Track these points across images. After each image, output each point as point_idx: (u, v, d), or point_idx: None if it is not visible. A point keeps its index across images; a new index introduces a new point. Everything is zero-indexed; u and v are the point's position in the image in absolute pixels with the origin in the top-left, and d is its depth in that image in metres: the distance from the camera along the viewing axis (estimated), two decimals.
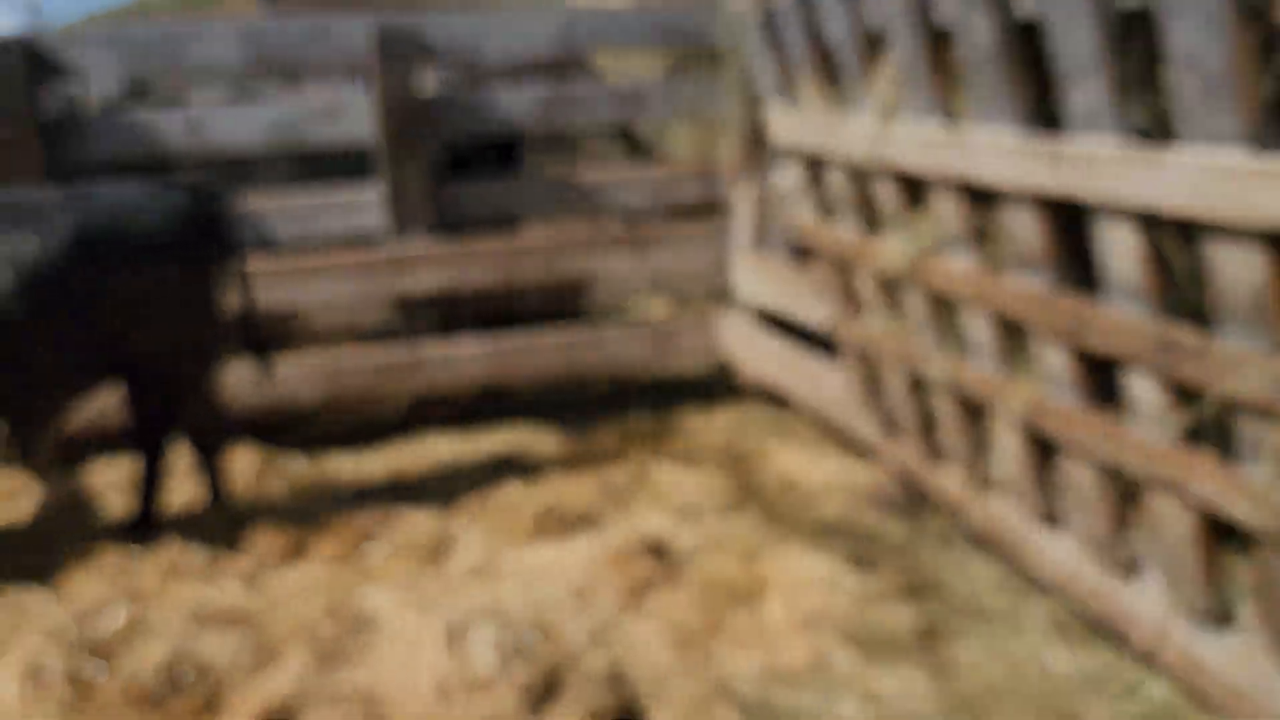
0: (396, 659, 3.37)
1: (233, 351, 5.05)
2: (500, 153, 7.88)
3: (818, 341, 5.34)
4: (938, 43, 3.10)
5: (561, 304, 6.16)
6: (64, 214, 3.94)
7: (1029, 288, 2.97)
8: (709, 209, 6.11)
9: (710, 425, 5.70)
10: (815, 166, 4.04)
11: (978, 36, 2.71)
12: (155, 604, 3.76)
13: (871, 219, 3.82)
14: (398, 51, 5.31)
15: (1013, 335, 3.26)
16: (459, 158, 7.56)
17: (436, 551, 4.29)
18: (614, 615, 3.71)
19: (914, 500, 4.51)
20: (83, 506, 4.89)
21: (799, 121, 3.98)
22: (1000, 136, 2.84)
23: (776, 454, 5.23)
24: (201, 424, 4.49)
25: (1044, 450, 3.34)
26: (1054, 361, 2.99)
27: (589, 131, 8.45)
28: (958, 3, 2.79)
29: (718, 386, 6.21)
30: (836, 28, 3.53)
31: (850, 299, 4.16)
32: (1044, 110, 2.83)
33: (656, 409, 6.01)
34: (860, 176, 3.71)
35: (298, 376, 5.47)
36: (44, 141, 5.01)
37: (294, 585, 3.99)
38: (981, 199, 3.18)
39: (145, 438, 4.41)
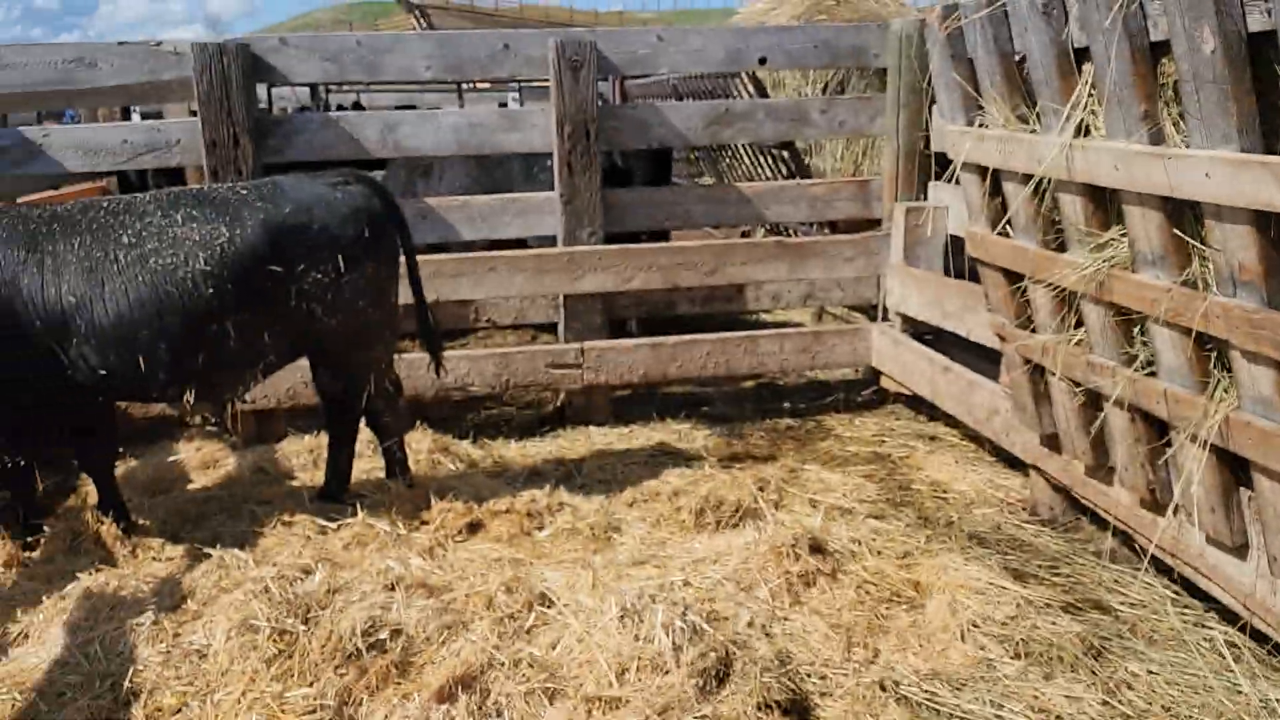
0: (574, 636, 3.31)
1: (407, 340, 5.16)
2: (655, 165, 7.86)
3: (965, 353, 5.14)
4: (1148, 55, 2.90)
5: (710, 308, 6.07)
6: (254, 206, 4.01)
7: (1236, 304, 2.74)
8: (863, 223, 5.95)
9: (858, 430, 5.54)
10: (993, 181, 3.85)
11: (1203, 49, 2.52)
12: (347, 570, 3.80)
13: (1053, 232, 3.62)
14: (576, 65, 5.30)
15: (1208, 352, 3.03)
16: (615, 169, 7.55)
17: (602, 537, 4.24)
18: (779, 607, 3.60)
19: (1071, 514, 4.27)
20: (276, 477, 5.01)
21: (978, 137, 3.80)
22: (1219, 152, 2.63)
23: (925, 460, 5.04)
24: (380, 406, 4.52)
25: (1234, 471, 3.09)
26: (1260, 381, 2.76)
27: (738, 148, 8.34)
28: (1179, 15, 2.60)
29: (864, 393, 6.05)
30: (1034, 42, 3.34)
31: (1020, 311, 3.95)
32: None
33: (804, 411, 5.88)
34: (1045, 191, 3.52)
35: (470, 366, 5.50)
36: (252, 138, 5.15)
37: (473, 560, 3.98)
38: (1180, 214, 2.97)
39: (331, 417, 4.52)
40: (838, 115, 5.69)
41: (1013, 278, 3.94)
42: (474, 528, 4.31)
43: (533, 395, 5.98)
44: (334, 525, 4.23)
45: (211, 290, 3.87)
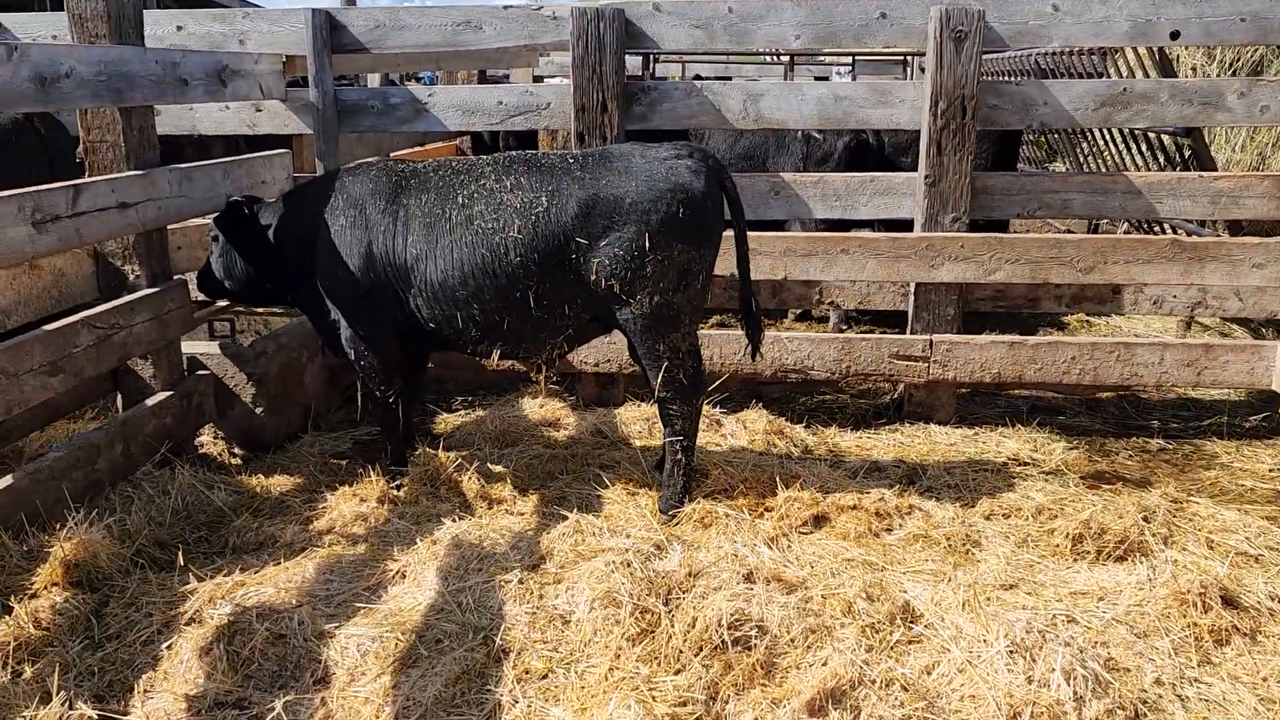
0: (954, 664, 2.98)
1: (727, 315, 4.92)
2: (1001, 149, 7.23)
3: None
4: None
5: (1081, 308, 5.45)
6: (574, 176, 3.88)
7: None
8: (1273, 226, 5.12)
9: (1250, 461, 4.78)
10: None
11: None
12: (701, 550, 3.65)
13: None
14: (960, 36, 4.84)
15: None
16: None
17: (960, 549, 3.86)
18: (1186, 664, 3.09)
19: None
20: (615, 442, 4.98)
21: None
22: None
23: None
24: (668, 394, 4.09)
25: None
26: None
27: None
28: None
29: (1255, 418, 5.24)
30: None
31: None
32: None
33: (1177, 433, 5.17)
34: None
35: (811, 349, 5.23)
36: (619, 104, 5.10)
37: (823, 557, 3.73)
38: None
39: (663, 394, 4.07)
40: (1259, 100, 4.89)
41: None
42: (819, 520, 4.06)
43: (870, 384, 5.63)
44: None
45: (518, 258, 3.85)
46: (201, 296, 4.78)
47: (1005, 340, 5.14)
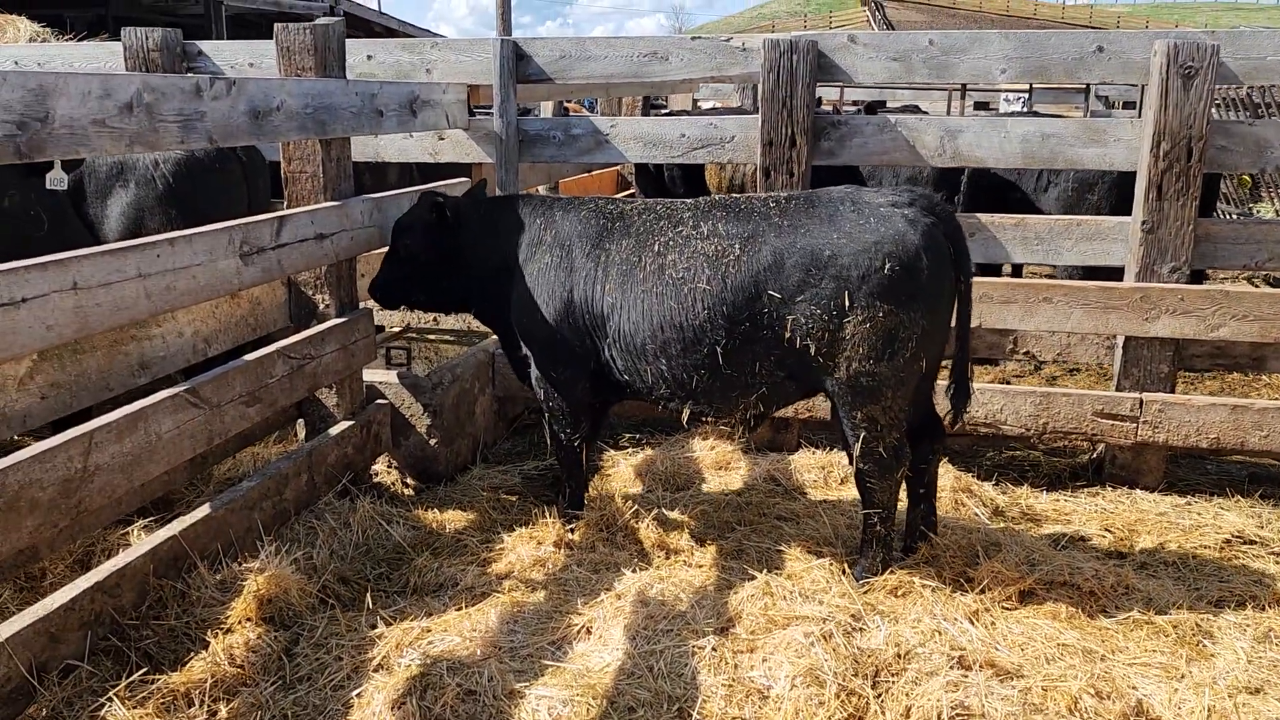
0: None
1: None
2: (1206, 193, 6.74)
3: None
4: None
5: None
6: (772, 223, 3.66)
7: None
8: None
9: None
10: None
11: None
12: (902, 624, 3.41)
13: None
14: (1190, 72, 4.47)
15: None
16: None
17: (1191, 640, 3.49)
18: None
19: None
20: (789, 490, 4.78)
21: None
22: None
23: None
24: (896, 441, 3.80)
25: None
26: None
27: None
28: None
29: None
30: None
31: None
32: None
33: None
34: None
35: (1004, 402, 4.91)
36: (808, 139, 4.91)
37: (1033, 639, 3.43)
38: None
39: (860, 465, 3.75)
40: None
41: None
42: (1025, 596, 3.76)
43: (1067, 442, 5.27)
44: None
45: (705, 311, 3.66)
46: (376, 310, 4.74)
47: (1227, 403, 4.71)
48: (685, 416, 3.95)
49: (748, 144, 5.11)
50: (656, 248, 3.82)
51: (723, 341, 3.68)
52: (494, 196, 4.44)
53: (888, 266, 3.49)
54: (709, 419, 4.03)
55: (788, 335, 3.61)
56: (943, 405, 3.98)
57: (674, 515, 4.43)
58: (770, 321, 3.63)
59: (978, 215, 5.02)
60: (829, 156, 5.03)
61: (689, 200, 4.02)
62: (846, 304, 3.52)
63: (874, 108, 7.66)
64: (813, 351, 3.60)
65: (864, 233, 3.54)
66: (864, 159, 5.02)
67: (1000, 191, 6.90)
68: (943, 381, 4.06)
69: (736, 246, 3.67)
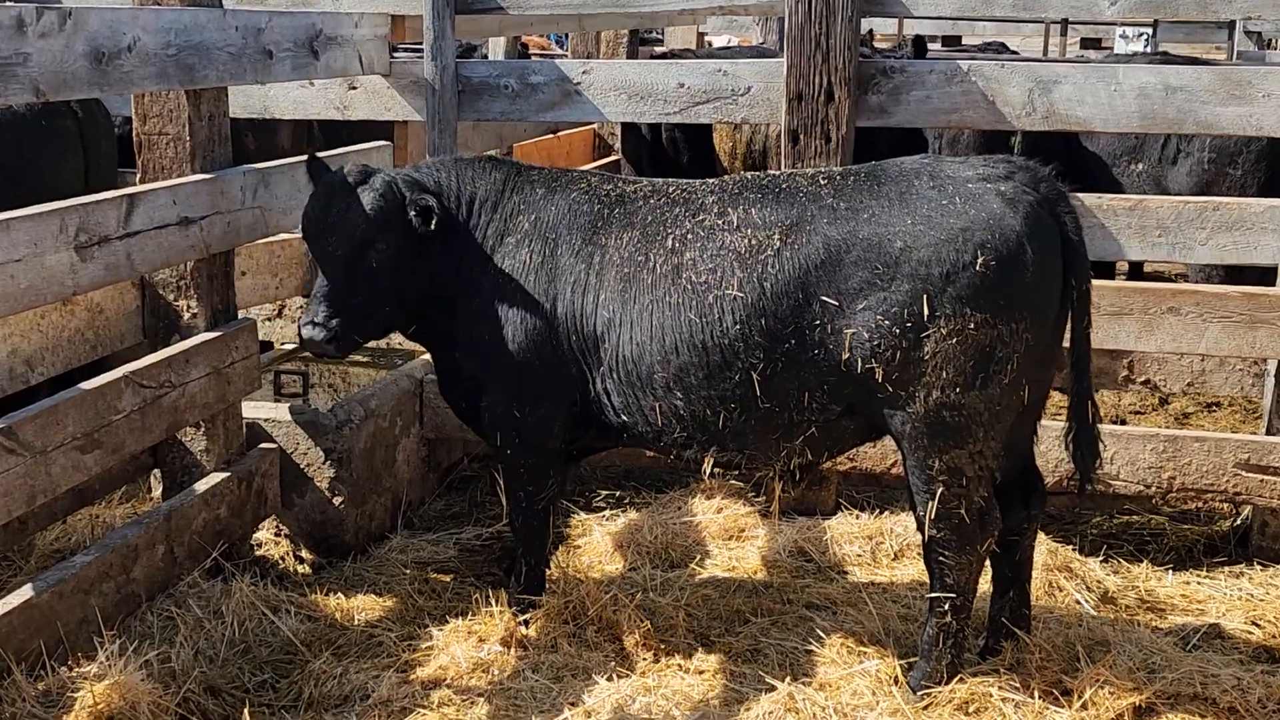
0: None
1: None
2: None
3: None
4: None
5: None
6: (824, 205, 3.71)
7: None
8: None
9: None
10: None
11: None
12: None
13: None
14: None
15: None
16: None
17: None
18: None
19: None
20: (824, 568, 4.84)
21: None
22: None
23: None
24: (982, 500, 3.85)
25: None
26: None
27: None
28: None
29: None
30: None
31: None
32: None
33: None
34: None
35: (1117, 449, 4.96)
36: (850, 91, 4.98)
37: None
38: None
39: (933, 531, 3.79)
40: None
41: None
42: (1142, 714, 3.81)
43: (1201, 504, 5.32)
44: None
45: (737, 324, 3.72)
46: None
47: None
48: (707, 468, 3.99)
49: (769, 98, 5.17)
50: (670, 243, 3.87)
51: (759, 366, 3.73)
52: (440, 160, 4.41)
53: (980, 261, 3.53)
54: (739, 470, 4.08)
55: (846, 356, 3.66)
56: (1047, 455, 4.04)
57: (666, 602, 4.46)
58: (822, 338, 3.68)
59: (1079, 195, 5.07)
60: (879, 115, 5.09)
61: (712, 180, 4.08)
62: (925, 312, 3.56)
63: (921, 45, 7.62)
64: (879, 377, 3.63)
65: (948, 216, 3.59)
66: (925, 118, 5.10)
67: (1109, 167, 6.98)
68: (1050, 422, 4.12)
69: (777, 239, 3.73)
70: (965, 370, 3.57)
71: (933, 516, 3.73)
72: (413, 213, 3.94)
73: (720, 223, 3.83)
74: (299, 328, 4.06)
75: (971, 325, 3.54)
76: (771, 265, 3.70)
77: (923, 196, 3.64)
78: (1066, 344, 3.86)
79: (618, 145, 9.10)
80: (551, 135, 8.40)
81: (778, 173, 4.02)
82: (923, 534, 3.80)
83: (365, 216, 3.90)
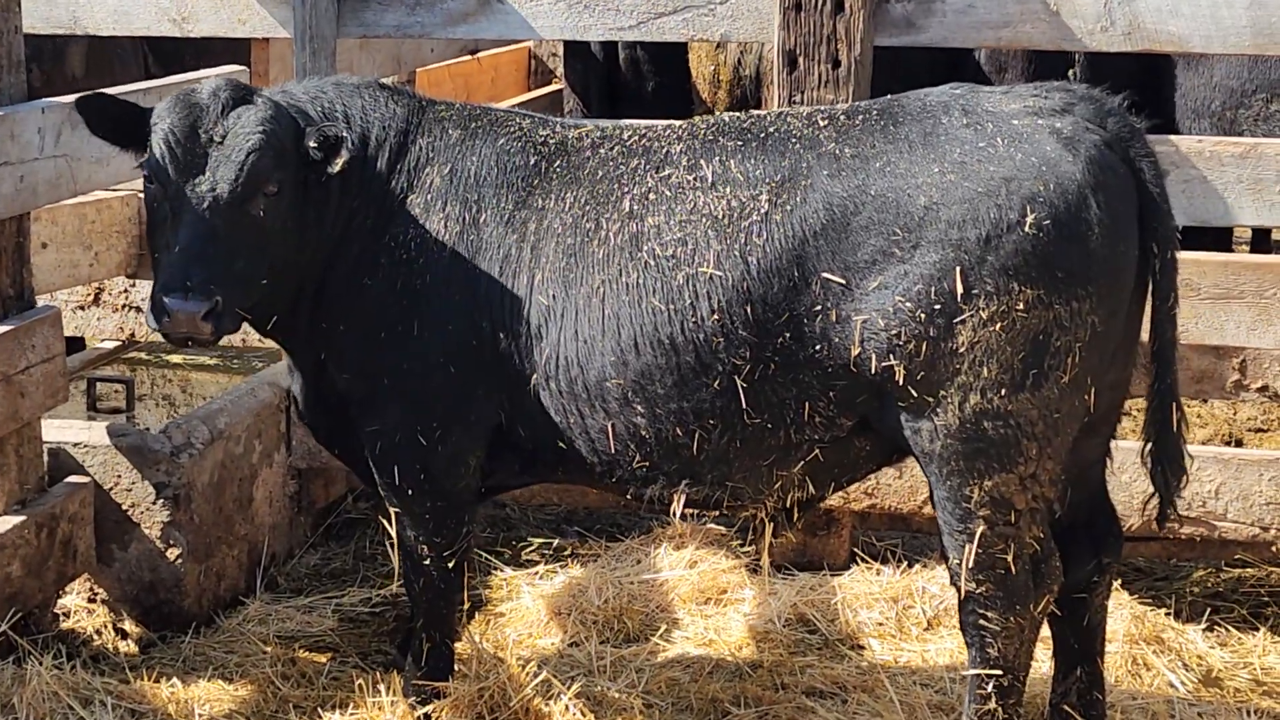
0: None
1: None
2: None
3: None
4: None
5: None
6: (824, 153, 3.78)
7: None
8: None
9: None
10: None
11: None
12: None
13: None
14: None
15: None
16: None
17: None
18: None
19: None
20: (833, 640, 4.89)
21: None
22: None
23: None
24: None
25: None
26: None
27: None
28: None
29: None
30: None
31: None
32: None
33: None
34: None
35: (1222, 479, 5.05)
36: None
37: None
38: None
39: (971, 583, 3.85)
40: None
41: None
42: None
43: None
44: None
45: (714, 314, 3.78)
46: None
47: None
48: (677, 507, 4.03)
49: (756, 6, 5.22)
50: (627, 206, 3.93)
51: (745, 368, 3.78)
52: (317, 83, 4.37)
53: (1030, 221, 3.57)
54: (719, 510, 4.13)
55: (856, 351, 3.70)
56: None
57: (618, 689, 4.51)
58: (826, 328, 3.74)
59: (1171, 138, 5.17)
60: (904, 30, 5.16)
61: (682, 123, 4.13)
62: (959, 290, 3.60)
63: None
64: (900, 378, 3.68)
65: (987, 163, 3.64)
66: (966, 35, 5.16)
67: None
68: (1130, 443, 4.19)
69: (764, 199, 3.78)
70: (1012, 366, 3.62)
71: (971, 564, 3.77)
72: (313, 143, 3.93)
73: (691, 179, 3.88)
74: (155, 300, 3.85)
75: (1020, 306, 3.58)
76: (758, 234, 3.76)
77: (954, 138, 3.69)
78: (1146, 333, 3.90)
79: (560, 71, 9.10)
80: (470, 57, 8.42)
81: (764, 113, 4.05)
82: (958, 589, 3.85)
83: (255, 146, 3.85)
